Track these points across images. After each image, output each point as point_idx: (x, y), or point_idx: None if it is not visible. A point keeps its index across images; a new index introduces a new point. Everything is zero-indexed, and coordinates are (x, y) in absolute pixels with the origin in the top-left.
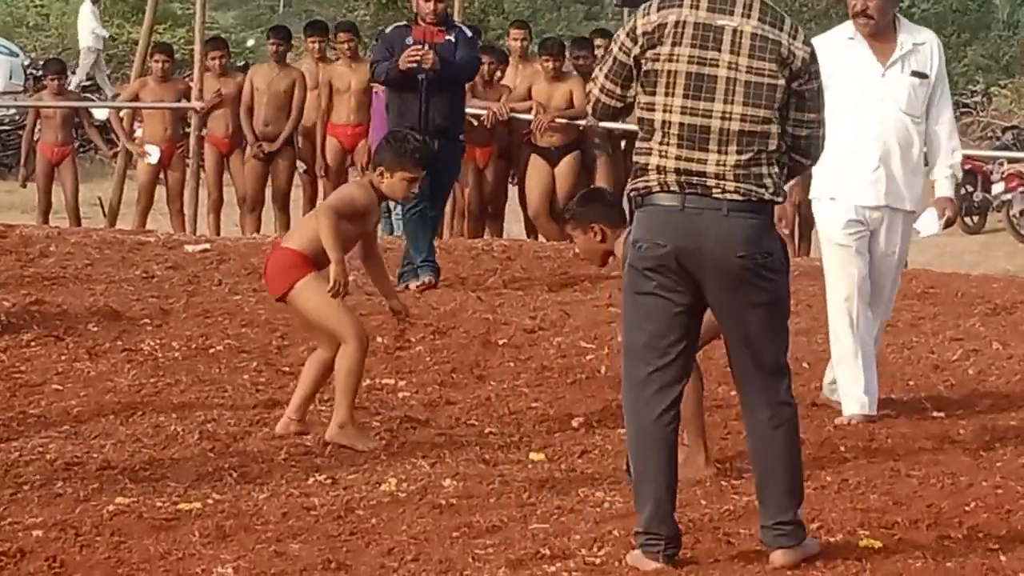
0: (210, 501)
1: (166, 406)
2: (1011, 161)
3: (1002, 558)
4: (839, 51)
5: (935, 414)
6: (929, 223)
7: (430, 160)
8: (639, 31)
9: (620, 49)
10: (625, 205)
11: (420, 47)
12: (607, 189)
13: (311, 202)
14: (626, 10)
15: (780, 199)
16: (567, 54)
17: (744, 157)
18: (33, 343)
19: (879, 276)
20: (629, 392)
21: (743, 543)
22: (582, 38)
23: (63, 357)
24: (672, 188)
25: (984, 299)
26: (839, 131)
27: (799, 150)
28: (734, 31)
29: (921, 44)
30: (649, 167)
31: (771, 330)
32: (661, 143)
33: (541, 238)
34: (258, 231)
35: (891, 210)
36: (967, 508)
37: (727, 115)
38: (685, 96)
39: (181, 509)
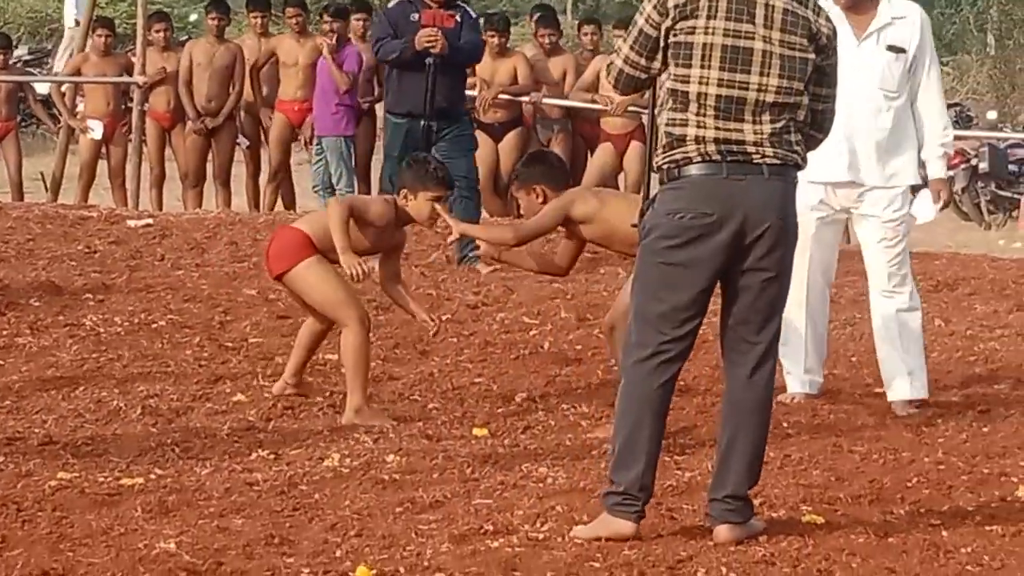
0: (152, 476)
1: (108, 381)
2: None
3: (944, 533)
4: None
5: (877, 390)
6: (925, 208)
7: (452, 181)
8: (670, 3)
9: (647, 21)
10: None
11: (434, 32)
12: (552, 151)
13: (253, 177)
14: None
15: (804, 164)
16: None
17: (778, 126)
18: None
19: (871, 257)
20: (635, 359)
21: (686, 518)
22: (550, 12)
23: (4, 332)
24: (714, 157)
25: (926, 276)
26: None
27: (816, 124)
28: (766, 5)
29: (901, 18)
30: (687, 138)
31: (782, 294)
32: (698, 114)
33: (485, 214)
34: (200, 206)
35: (865, 188)
36: (909, 484)
37: (763, 87)
38: (722, 68)
39: (123, 484)
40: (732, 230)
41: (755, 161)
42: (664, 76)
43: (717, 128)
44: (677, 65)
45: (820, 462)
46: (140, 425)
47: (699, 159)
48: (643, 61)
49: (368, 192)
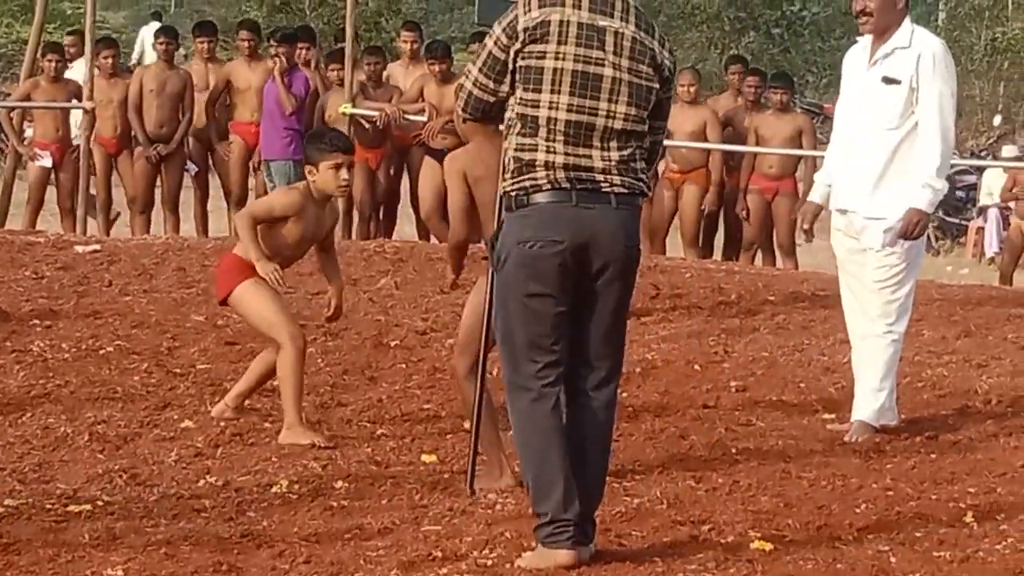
0: (100, 502)
1: (56, 407)
2: None
3: (892, 560)
4: (856, 53)
5: (826, 416)
6: (889, 234)
7: (348, 143)
8: (519, 27)
9: (496, 44)
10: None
11: None
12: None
13: (202, 203)
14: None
15: (648, 192)
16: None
17: (625, 153)
18: None
19: (864, 292)
20: (518, 391)
21: (635, 544)
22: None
23: None
24: (563, 184)
25: None
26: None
27: (648, 153)
28: (616, 33)
29: (903, 48)
30: (536, 163)
31: (622, 318)
32: (548, 139)
33: (433, 240)
34: (148, 232)
35: (863, 218)
36: (857, 510)
37: (612, 114)
38: (571, 94)
39: (71, 511)
40: (581, 258)
41: (604, 190)
42: (512, 100)
43: (566, 154)
44: (526, 89)
45: (768, 488)
46: (87, 451)
47: (548, 186)
48: (492, 84)
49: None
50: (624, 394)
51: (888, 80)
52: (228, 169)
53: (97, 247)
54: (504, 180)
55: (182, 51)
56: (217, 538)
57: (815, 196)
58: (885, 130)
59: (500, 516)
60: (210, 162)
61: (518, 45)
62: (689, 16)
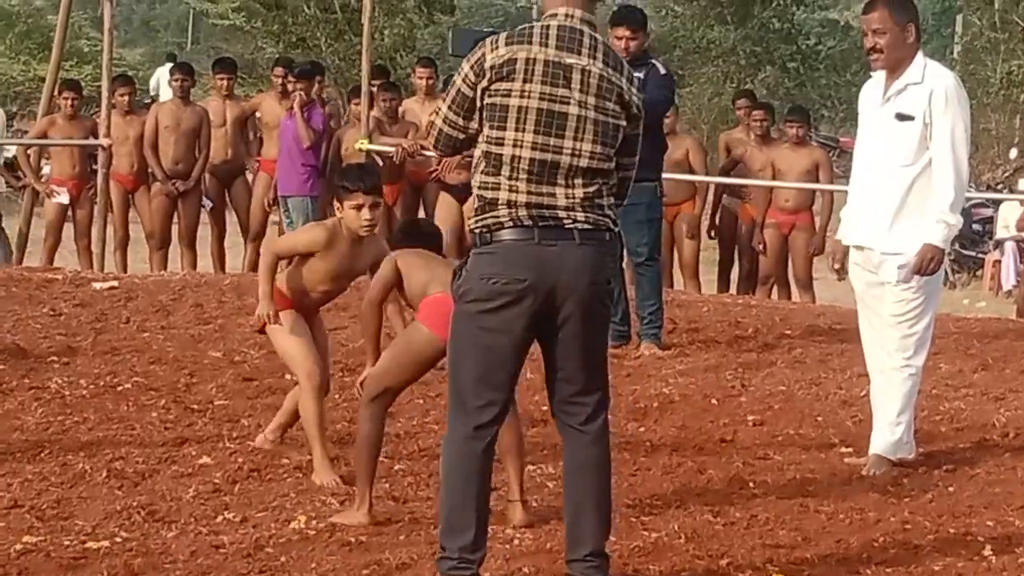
0: (118, 539)
1: (74, 444)
2: None
3: None
4: (871, 89)
5: (843, 450)
6: (904, 270)
7: (371, 181)
8: (487, 64)
9: (464, 81)
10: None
11: None
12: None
13: (219, 239)
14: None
15: (617, 229)
16: None
17: (590, 190)
18: None
19: (883, 328)
20: (456, 425)
21: None
22: None
23: None
24: (525, 222)
25: None
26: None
27: (616, 192)
28: (583, 70)
29: (916, 84)
30: (499, 202)
31: (600, 354)
32: (511, 178)
33: None
34: (165, 268)
35: (880, 253)
36: (875, 544)
37: (576, 151)
38: (536, 132)
39: (89, 548)
40: (544, 295)
41: (567, 226)
42: (479, 138)
43: (529, 192)
44: (492, 127)
45: (787, 522)
46: (106, 488)
47: (511, 224)
48: (460, 121)
49: None
50: (641, 429)
51: (902, 116)
52: (246, 205)
53: (114, 284)
54: (470, 218)
55: (198, 88)
56: (236, 574)
57: (841, 234)
58: (900, 166)
59: (518, 551)
60: (227, 198)
61: (485, 83)
62: (704, 51)
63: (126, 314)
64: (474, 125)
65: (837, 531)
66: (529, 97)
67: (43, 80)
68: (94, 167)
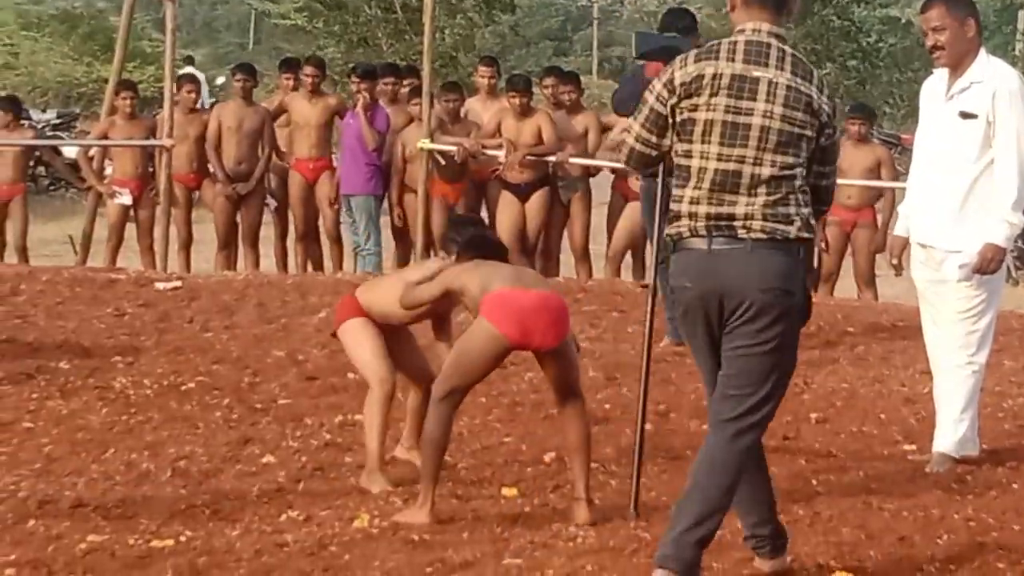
0: (183, 538)
1: (138, 443)
2: None
3: None
4: (933, 84)
5: (907, 447)
6: (965, 268)
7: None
8: (677, 82)
9: (657, 99)
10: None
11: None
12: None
13: (281, 238)
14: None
15: (807, 235)
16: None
17: (772, 198)
18: (4, 381)
19: (946, 325)
20: (710, 421)
21: None
22: (571, 72)
23: (34, 395)
24: (701, 232)
25: None
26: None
27: (819, 199)
28: (769, 82)
29: (979, 82)
30: (682, 213)
31: (766, 368)
32: (695, 188)
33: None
34: (230, 268)
35: (943, 251)
36: (939, 541)
37: (759, 160)
38: (721, 144)
39: (154, 547)
40: (711, 303)
41: (740, 236)
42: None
43: (710, 203)
44: (681, 141)
45: (850, 519)
46: (170, 487)
47: (688, 234)
48: (654, 139)
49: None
50: (705, 427)
51: (965, 115)
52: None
53: (178, 284)
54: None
55: (260, 88)
56: (300, 573)
57: (900, 229)
58: (964, 164)
59: (582, 549)
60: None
61: (675, 99)
62: None
63: (189, 314)
64: (667, 142)
65: (901, 529)
66: (715, 111)
67: (106, 81)
68: (151, 168)
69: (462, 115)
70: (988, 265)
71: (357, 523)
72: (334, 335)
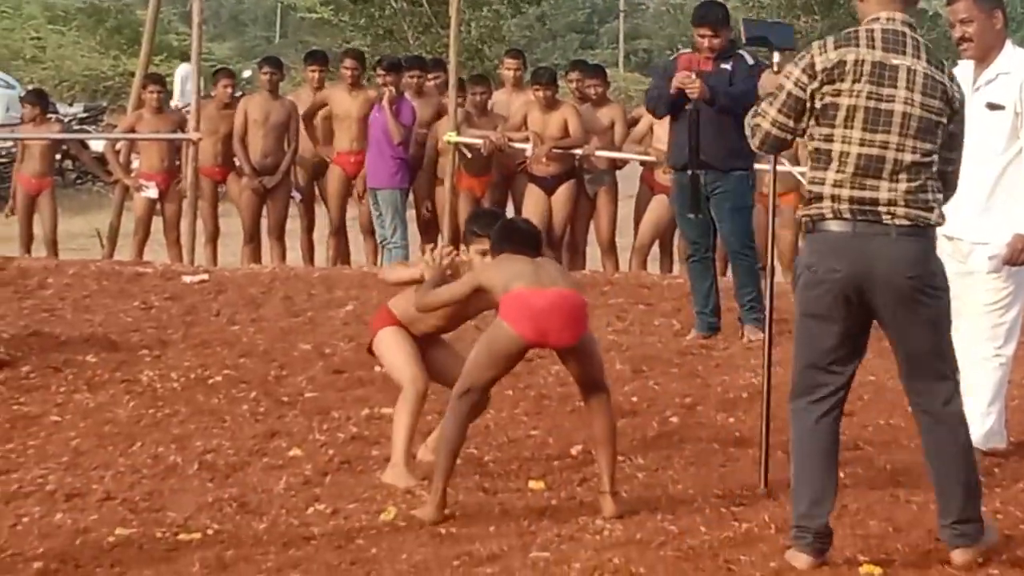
0: (210, 531)
1: (165, 437)
2: None
3: None
4: (958, 75)
5: None
6: (994, 260)
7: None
8: (817, 67)
9: (795, 84)
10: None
11: (687, 76)
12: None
13: (308, 232)
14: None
15: (942, 222)
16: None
17: (914, 185)
18: (32, 375)
19: (973, 317)
20: (794, 403)
21: (743, 570)
22: (596, 66)
23: (62, 389)
24: (844, 215)
25: None
26: None
27: (945, 183)
28: (908, 70)
29: (1006, 73)
30: (824, 195)
31: (936, 343)
32: (838, 171)
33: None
34: (256, 261)
35: (970, 243)
36: None
37: (901, 147)
38: (864, 129)
39: (181, 540)
40: (858, 287)
41: (884, 221)
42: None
43: (853, 187)
44: (821, 125)
45: (877, 512)
46: (197, 480)
47: (831, 216)
48: (791, 123)
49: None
50: (731, 420)
51: (992, 106)
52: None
53: (205, 277)
54: (800, 207)
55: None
56: (327, 566)
57: None
58: (991, 155)
59: (608, 542)
60: (316, 190)
61: (816, 84)
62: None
63: (216, 307)
64: (803, 126)
65: (928, 521)
66: (857, 96)
67: (133, 75)
68: (177, 162)
69: (489, 108)
70: (1019, 256)
71: (384, 516)
72: (370, 351)
